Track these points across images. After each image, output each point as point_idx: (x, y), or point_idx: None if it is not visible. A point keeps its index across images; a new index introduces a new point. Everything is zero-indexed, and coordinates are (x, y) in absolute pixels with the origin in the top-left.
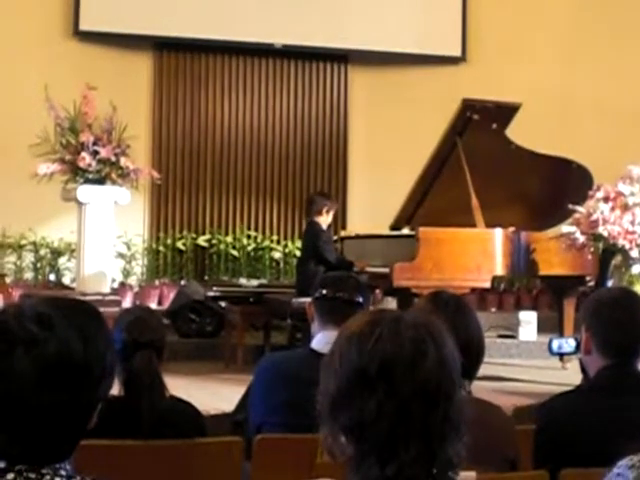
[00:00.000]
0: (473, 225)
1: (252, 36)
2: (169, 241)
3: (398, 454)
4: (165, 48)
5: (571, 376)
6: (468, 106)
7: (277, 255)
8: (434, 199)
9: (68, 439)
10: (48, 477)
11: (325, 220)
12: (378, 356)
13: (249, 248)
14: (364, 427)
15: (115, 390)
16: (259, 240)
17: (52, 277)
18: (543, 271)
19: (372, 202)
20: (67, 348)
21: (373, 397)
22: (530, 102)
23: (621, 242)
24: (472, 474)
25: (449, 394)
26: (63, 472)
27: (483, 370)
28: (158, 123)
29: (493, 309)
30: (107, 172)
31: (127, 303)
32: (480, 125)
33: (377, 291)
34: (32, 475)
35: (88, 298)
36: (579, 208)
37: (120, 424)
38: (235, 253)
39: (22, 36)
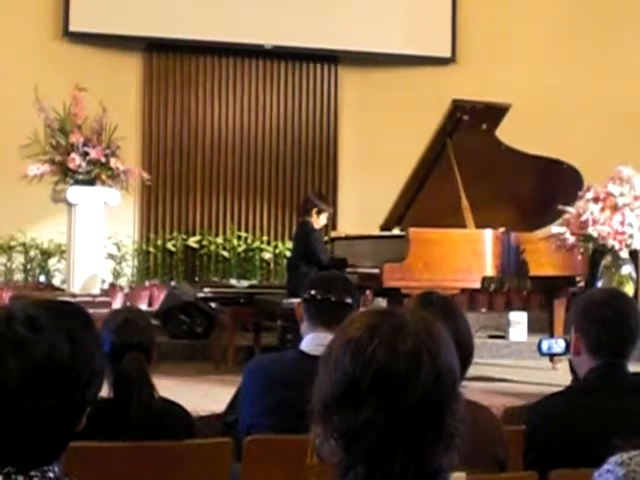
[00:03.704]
0: (463, 226)
1: (242, 37)
2: (159, 242)
3: (385, 466)
4: (155, 49)
5: (561, 376)
6: (458, 107)
7: (267, 256)
8: (424, 200)
9: (56, 442)
10: (36, 479)
11: (316, 221)
12: (372, 370)
13: (239, 249)
14: (353, 436)
15: (104, 392)
16: (249, 241)
17: (42, 278)
18: (533, 272)
19: (362, 202)
20: (55, 351)
21: (363, 410)
22: (520, 103)
23: (611, 242)
24: (462, 475)
25: (443, 410)
26: (51, 474)
27: (473, 370)
28: (148, 124)
29: (483, 309)
30: (97, 173)
31: (117, 304)
32: (470, 126)
33: (367, 292)
34: (20, 477)
35: (78, 299)
36: (569, 209)
37: (109, 426)
38: (225, 254)
39: (12, 37)
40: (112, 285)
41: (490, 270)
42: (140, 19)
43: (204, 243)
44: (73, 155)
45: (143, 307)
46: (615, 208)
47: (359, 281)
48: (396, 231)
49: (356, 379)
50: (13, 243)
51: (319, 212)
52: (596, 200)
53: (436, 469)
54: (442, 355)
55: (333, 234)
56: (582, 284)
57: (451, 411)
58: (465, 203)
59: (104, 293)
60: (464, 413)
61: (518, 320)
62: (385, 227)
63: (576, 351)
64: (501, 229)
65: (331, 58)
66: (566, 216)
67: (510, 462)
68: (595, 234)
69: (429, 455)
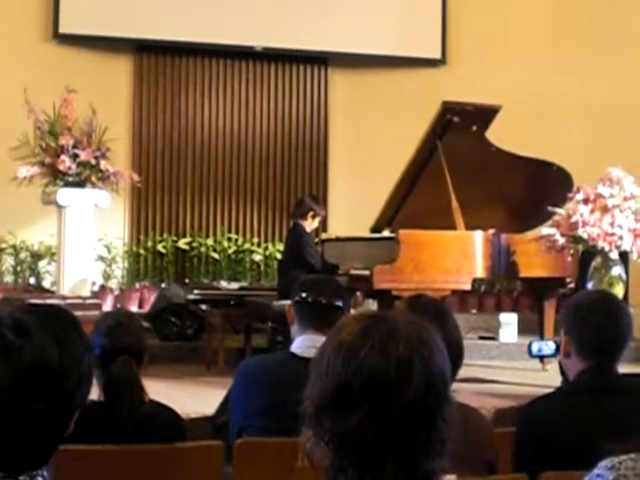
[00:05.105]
0: (453, 227)
1: (232, 39)
2: (149, 244)
3: (376, 470)
4: (145, 51)
5: (551, 378)
6: (448, 108)
7: (258, 257)
8: (415, 201)
9: (45, 446)
10: None
11: (309, 224)
12: (364, 374)
13: (230, 251)
14: (344, 440)
15: (95, 395)
16: (240, 243)
17: (32, 280)
18: (523, 273)
19: (353, 204)
20: (43, 355)
21: (355, 414)
22: (510, 104)
23: (600, 244)
24: (452, 477)
25: (434, 415)
26: (40, 479)
27: (463, 372)
28: (138, 126)
29: (474, 311)
30: (87, 175)
31: (107, 306)
32: (460, 127)
33: (358, 294)
34: None
35: (68, 301)
36: (559, 210)
37: (100, 429)
38: (216, 256)
39: (1, 39)
40: (102, 287)
41: (480, 271)
42: (130, 21)
43: (194, 245)
44: (63, 157)
45: (133, 309)
46: (605, 209)
47: (349, 283)
48: (386, 233)
49: (348, 383)
50: (3, 245)
51: (314, 216)
52: (586, 201)
53: (427, 473)
54: (434, 360)
55: (324, 236)
56: (572, 285)
57: (442, 416)
58: (455, 205)
59: (94, 295)
60: (454, 415)
61: (508, 321)
62: (375, 229)
63: (566, 353)
64: (491, 230)
65: (321, 60)
66: (556, 217)
67: (500, 464)
68: (585, 235)
69: (420, 459)
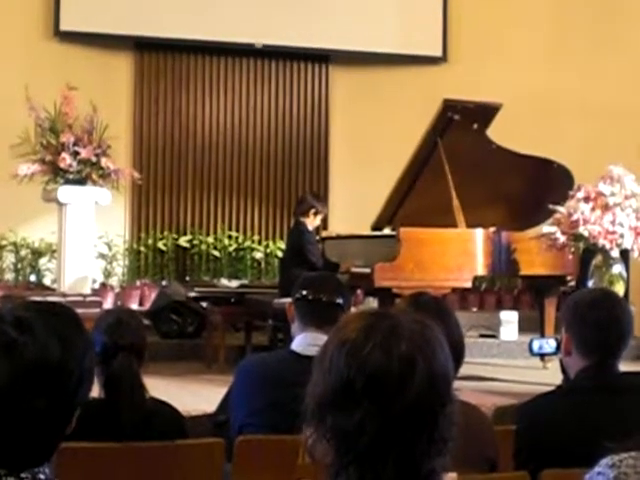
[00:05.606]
0: (454, 225)
1: (233, 36)
2: (150, 241)
3: (377, 468)
4: (146, 48)
5: (552, 376)
6: (449, 106)
7: (258, 255)
8: (415, 199)
9: (47, 443)
10: None
11: (311, 222)
12: (366, 372)
13: (230, 248)
14: (345, 437)
15: (95, 392)
16: (240, 240)
17: (33, 278)
18: (524, 271)
19: (353, 202)
20: (45, 352)
21: (357, 412)
22: (511, 102)
23: (601, 242)
24: (453, 475)
25: (436, 414)
26: (42, 476)
27: (464, 370)
28: (139, 123)
29: (474, 309)
30: (88, 172)
31: (108, 304)
32: (461, 125)
33: (358, 291)
34: (11, 479)
35: (69, 299)
36: (560, 208)
37: (101, 426)
38: (216, 253)
39: (2, 36)
40: (103, 285)
41: (481, 269)
42: (130, 18)
43: (195, 242)
44: (64, 155)
45: (134, 307)
46: (606, 207)
47: (350, 280)
48: (387, 231)
49: (350, 381)
50: (4, 242)
51: (316, 213)
52: (587, 199)
53: (429, 472)
54: (437, 359)
55: (324, 234)
56: (573, 283)
57: (445, 415)
58: (456, 203)
59: (95, 293)
60: (457, 414)
61: (509, 319)
62: (376, 227)
63: (567, 351)
64: (492, 228)
65: (322, 57)
66: (557, 215)
67: (501, 462)
68: (586, 233)
69: (422, 458)
